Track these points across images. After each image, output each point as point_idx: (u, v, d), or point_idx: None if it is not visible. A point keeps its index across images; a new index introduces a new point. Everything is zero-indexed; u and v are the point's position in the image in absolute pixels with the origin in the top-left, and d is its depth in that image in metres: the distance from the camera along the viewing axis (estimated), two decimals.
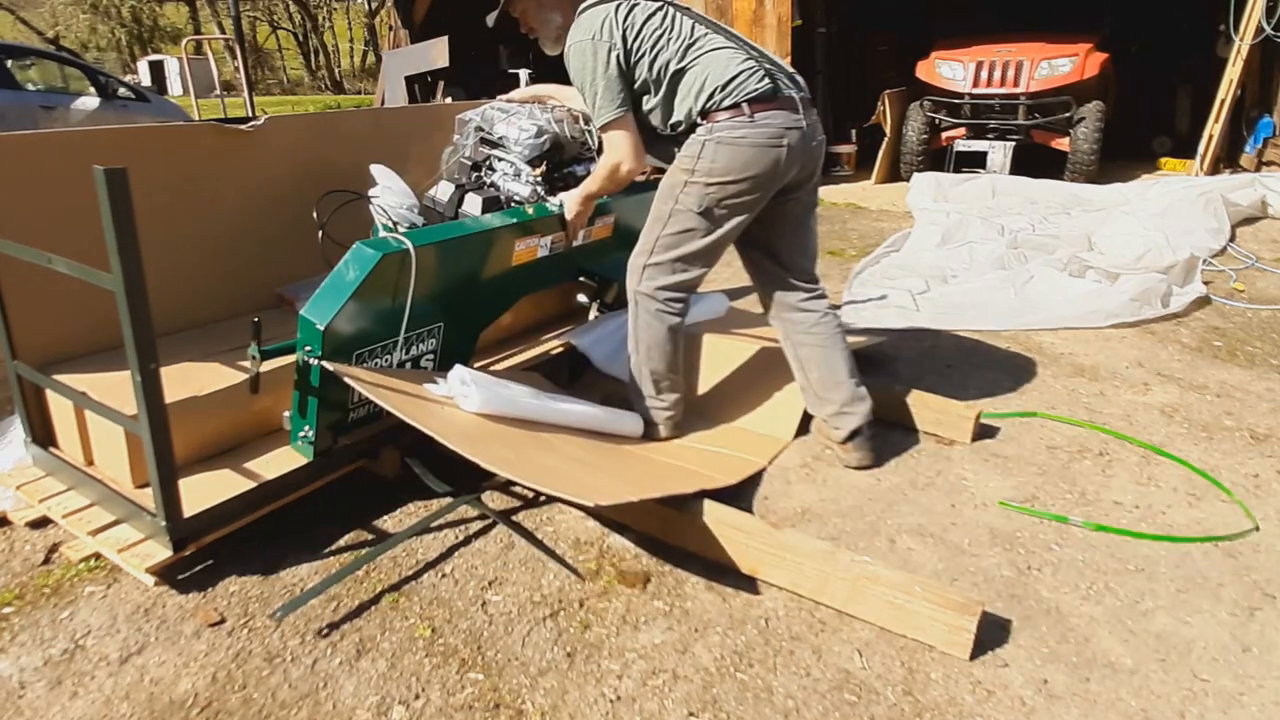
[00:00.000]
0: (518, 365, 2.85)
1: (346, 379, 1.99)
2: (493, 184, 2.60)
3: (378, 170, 2.45)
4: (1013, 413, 2.92)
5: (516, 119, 2.59)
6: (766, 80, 2.24)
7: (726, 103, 2.21)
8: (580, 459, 2.18)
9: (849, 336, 3.33)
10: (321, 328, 2.00)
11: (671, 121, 2.30)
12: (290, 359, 2.12)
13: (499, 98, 2.78)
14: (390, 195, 2.35)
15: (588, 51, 2.21)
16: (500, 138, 2.61)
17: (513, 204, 2.56)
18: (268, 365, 2.12)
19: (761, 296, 2.57)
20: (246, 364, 2.34)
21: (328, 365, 2.01)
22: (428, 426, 1.89)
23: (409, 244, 2.10)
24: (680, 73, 2.24)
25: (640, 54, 2.23)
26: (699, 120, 2.25)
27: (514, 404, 2.26)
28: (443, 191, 2.53)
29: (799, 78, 2.38)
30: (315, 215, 2.21)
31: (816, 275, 2.54)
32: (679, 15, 2.29)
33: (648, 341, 2.41)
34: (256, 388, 2.13)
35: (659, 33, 2.23)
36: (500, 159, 2.61)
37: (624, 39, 2.21)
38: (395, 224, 2.30)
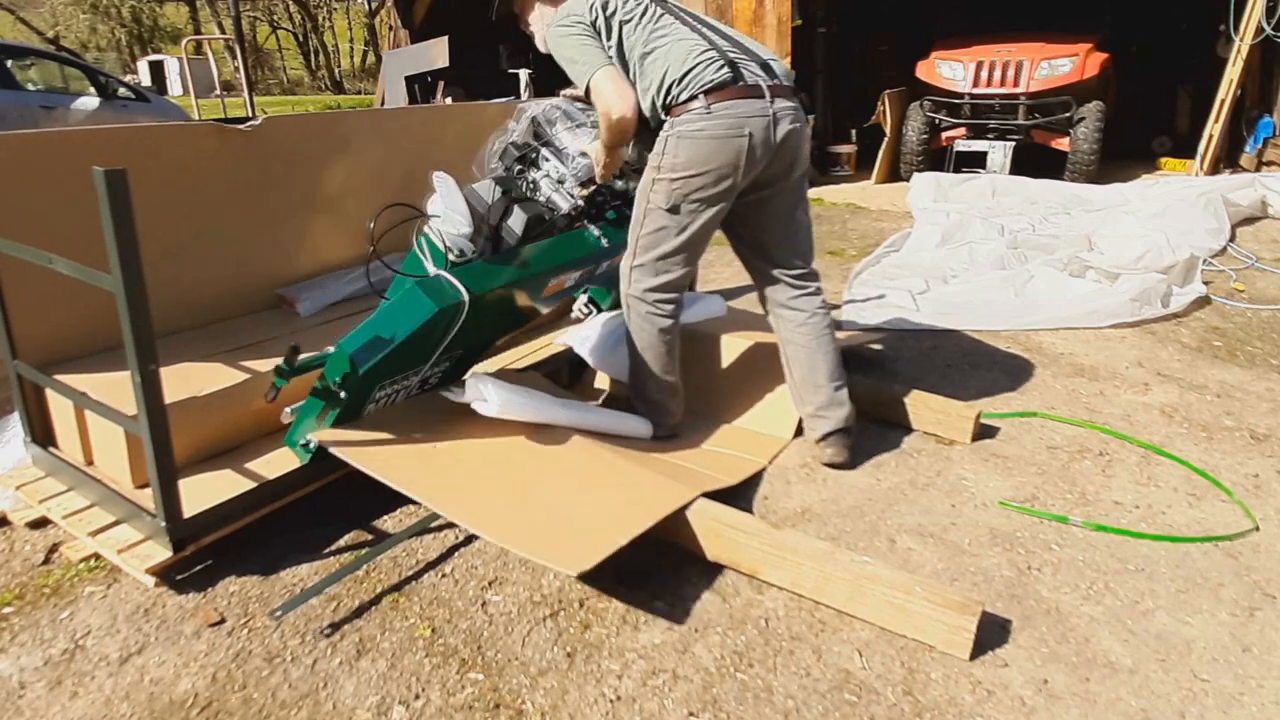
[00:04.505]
0: (517, 366, 2.86)
1: (333, 450, 2.03)
2: (534, 183, 2.47)
3: (441, 181, 2.27)
4: (1013, 413, 2.92)
5: (583, 135, 2.47)
6: (725, 70, 2.21)
7: (684, 96, 2.19)
8: (586, 482, 2.15)
9: (849, 336, 3.33)
10: (362, 371, 2.00)
11: (643, 116, 2.29)
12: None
13: (562, 93, 2.64)
14: (449, 222, 2.24)
15: (562, 31, 2.25)
16: (563, 149, 2.49)
17: (551, 215, 2.45)
18: (275, 363, 2.11)
19: (756, 292, 2.57)
20: (248, 363, 2.35)
21: (328, 446, 2.04)
22: (419, 494, 1.94)
23: (465, 296, 2.07)
24: (644, 58, 2.23)
25: (610, 36, 2.23)
26: (663, 116, 2.24)
27: (530, 409, 2.27)
28: (487, 192, 2.34)
29: (775, 64, 2.33)
30: (371, 227, 2.13)
31: (811, 271, 2.50)
32: (651, 5, 2.29)
33: (641, 344, 2.41)
34: (275, 399, 2.13)
35: (628, 18, 2.24)
36: (547, 159, 2.50)
37: (591, 16, 2.23)
38: (447, 249, 2.20)
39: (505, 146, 2.51)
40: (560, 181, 2.47)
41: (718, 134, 2.18)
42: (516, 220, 2.29)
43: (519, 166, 2.48)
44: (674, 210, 2.26)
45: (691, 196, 2.24)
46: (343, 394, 2.03)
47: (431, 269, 2.15)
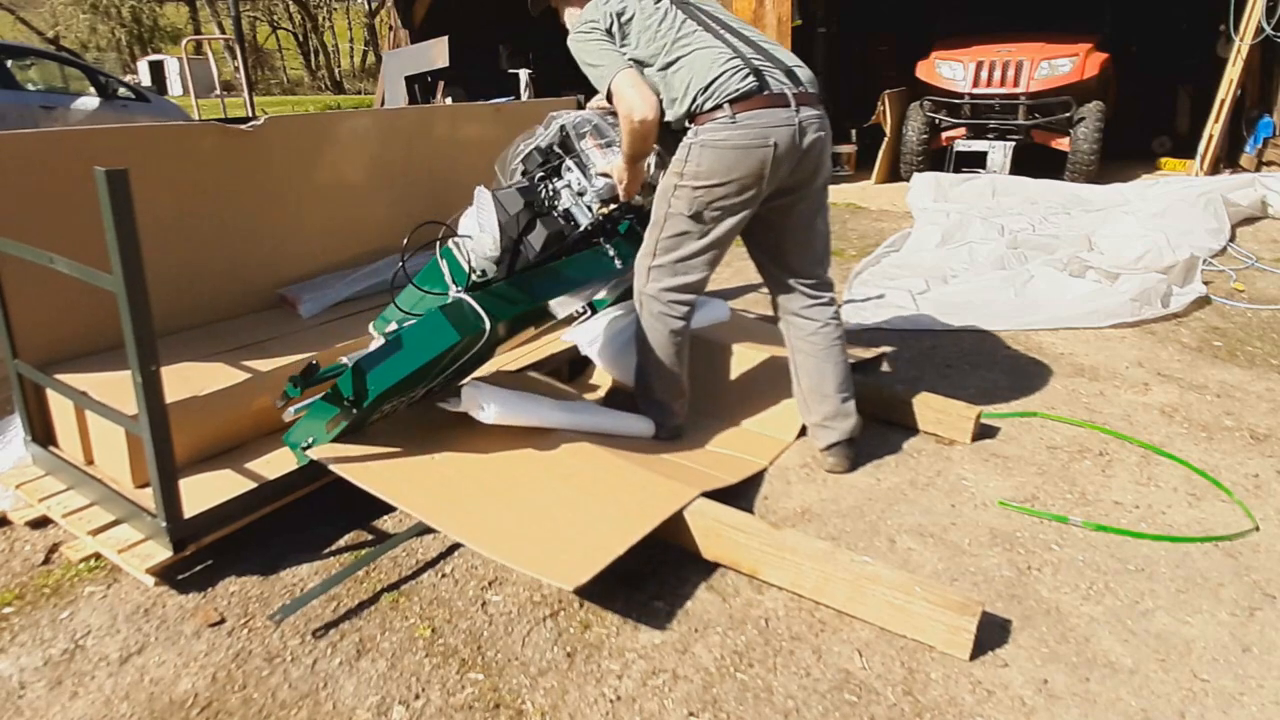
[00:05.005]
0: (514, 367, 2.86)
1: (331, 466, 2.07)
2: (555, 192, 2.44)
3: (481, 197, 2.24)
4: (1013, 413, 2.92)
5: (611, 154, 2.43)
6: (751, 78, 2.19)
7: (708, 105, 2.18)
8: (586, 485, 2.15)
9: (850, 336, 3.32)
10: (376, 393, 2.00)
11: (665, 120, 2.27)
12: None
13: (590, 104, 2.59)
14: (480, 243, 2.19)
15: (581, 37, 2.25)
16: (588, 164, 2.45)
17: (569, 226, 2.42)
18: (276, 363, 2.10)
19: (770, 298, 2.56)
20: (249, 363, 2.35)
21: (326, 463, 2.06)
22: (415, 509, 1.96)
23: (487, 324, 2.07)
24: (668, 68, 2.21)
25: (624, 43, 2.22)
26: (688, 124, 2.23)
27: (528, 413, 2.27)
28: (510, 203, 2.25)
29: (800, 70, 2.31)
30: (404, 242, 2.13)
31: (826, 281, 2.48)
32: (673, 9, 2.27)
33: (652, 343, 2.40)
34: (284, 407, 2.14)
35: (645, 26, 2.23)
36: (570, 169, 2.46)
37: (606, 23, 2.22)
38: (471, 269, 2.19)
39: (530, 151, 2.47)
40: (580, 194, 2.45)
41: (741, 144, 2.16)
42: (537, 237, 2.26)
43: (540, 173, 2.46)
44: (696, 217, 2.25)
45: (714, 204, 2.23)
46: (354, 410, 2.04)
47: (453, 289, 2.15)
